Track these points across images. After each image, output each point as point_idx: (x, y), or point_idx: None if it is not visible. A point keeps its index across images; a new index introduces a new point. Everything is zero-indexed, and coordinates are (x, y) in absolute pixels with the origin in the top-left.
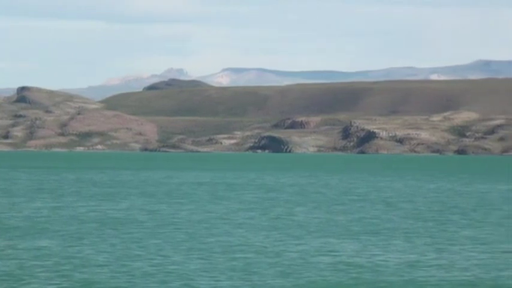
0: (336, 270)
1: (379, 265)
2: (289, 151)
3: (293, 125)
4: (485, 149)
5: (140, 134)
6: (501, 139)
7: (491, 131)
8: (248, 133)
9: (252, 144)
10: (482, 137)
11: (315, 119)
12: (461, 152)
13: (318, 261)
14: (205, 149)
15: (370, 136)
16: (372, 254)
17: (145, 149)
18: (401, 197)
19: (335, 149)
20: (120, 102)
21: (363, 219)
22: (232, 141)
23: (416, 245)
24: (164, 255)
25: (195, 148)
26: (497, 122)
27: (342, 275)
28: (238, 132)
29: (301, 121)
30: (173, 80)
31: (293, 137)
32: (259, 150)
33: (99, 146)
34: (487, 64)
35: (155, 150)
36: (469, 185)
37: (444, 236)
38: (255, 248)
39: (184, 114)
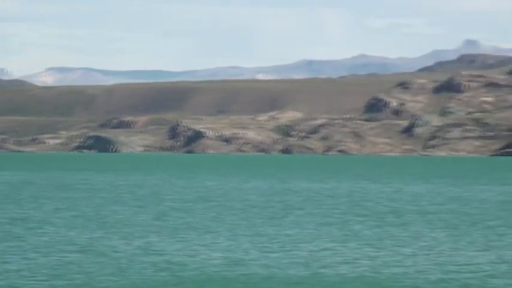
0: (160, 269)
1: (202, 262)
2: (116, 151)
3: (120, 125)
4: (309, 148)
5: None
6: (323, 138)
7: (315, 130)
8: (74, 133)
9: (78, 144)
10: (306, 137)
11: (142, 119)
12: (286, 151)
13: (144, 261)
14: (28, 149)
15: (198, 136)
16: (196, 252)
17: None
18: (229, 195)
19: (162, 148)
20: None
21: (191, 219)
22: (58, 141)
23: (240, 243)
24: None
25: (17, 148)
26: (320, 121)
27: (165, 274)
28: (64, 132)
29: (128, 121)
30: None
31: (120, 136)
32: (85, 150)
33: None
34: (310, 64)
35: None
36: (294, 184)
37: (268, 235)
38: (78, 247)
39: (7, 114)
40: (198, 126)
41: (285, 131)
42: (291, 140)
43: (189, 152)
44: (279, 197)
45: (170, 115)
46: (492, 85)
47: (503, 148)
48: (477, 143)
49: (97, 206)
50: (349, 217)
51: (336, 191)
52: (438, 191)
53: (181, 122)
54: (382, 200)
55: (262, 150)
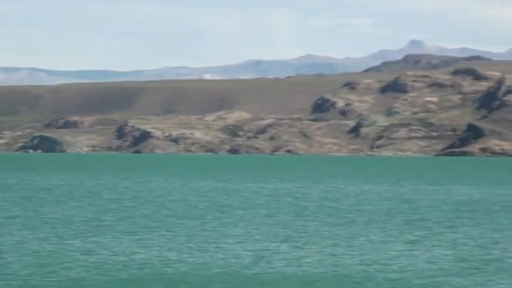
0: (95, 269)
1: (139, 262)
2: (63, 151)
3: (66, 125)
4: (257, 149)
5: None
6: (271, 138)
7: (262, 130)
8: (19, 133)
9: (22, 144)
10: (254, 137)
11: (88, 119)
12: (234, 151)
13: (78, 259)
14: None
15: (145, 136)
16: (132, 251)
17: None
18: (169, 195)
19: (110, 148)
20: None
21: (130, 218)
22: (2, 141)
23: (176, 242)
24: None
25: None
26: (268, 121)
27: (96, 272)
28: (8, 132)
29: (75, 121)
30: None
31: (66, 136)
32: (30, 150)
33: None
34: (257, 64)
35: None
36: (242, 184)
37: (204, 234)
38: (10, 247)
39: None
40: (146, 126)
41: (233, 131)
42: (239, 140)
43: (137, 152)
44: (222, 198)
45: (117, 115)
46: (436, 85)
47: (447, 148)
48: (422, 143)
49: (35, 205)
50: (289, 217)
51: (279, 191)
52: (377, 191)
53: (128, 122)
54: (323, 201)
55: (210, 150)
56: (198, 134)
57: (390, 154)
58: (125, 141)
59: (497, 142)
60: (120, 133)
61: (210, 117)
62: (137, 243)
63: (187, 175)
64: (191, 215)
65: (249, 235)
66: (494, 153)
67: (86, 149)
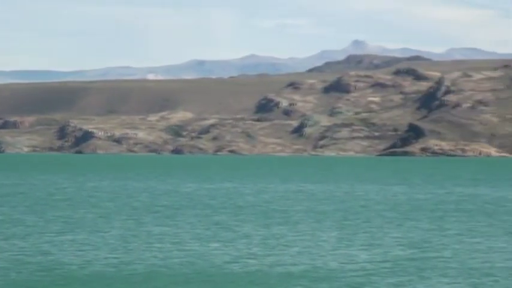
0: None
1: (54, 261)
2: (1, 151)
3: (5, 125)
4: (200, 149)
5: None
6: (214, 139)
7: (206, 130)
8: None
9: None
10: (198, 137)
11: (29, 119)
12: (177, 151)
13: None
14: None
15: (87, 136)
16: (43, 251)
17: None
18: (103, 196)
19: (51, 149)
20: None
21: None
22: None
23: (108, 241)
24: None
25: None
26: (211, 121)
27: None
28: None
29: (14, 121)
30: None
31: (5, 137)
32: None
33: None
34: (200, 64)
35: None
36: (178, 185)
37: (134, 233)
38: None
39: None
40: (88, 127)
41: (176, 131)
42: (182, 140)
43: (79, 152)
44: (163, 198)
45: (59, 115)
46: (378, 85)
47: (389, 148)
48: (364, 143)
49: None
50: (224, 217)
51: (220, 191)
52: (314, 191)
53: (70, 122)
54: (260, 201)
55: (153, 151)
56: (141, 134)
57: (333, 154)
58: (66, 141)
59: (436, 142)
60: (62, 133)
61: (153, 118)
62: (70, 244)
63: (128, 175)
64: (127, 215)
65: (176, 235)
66: (434, 153)
67: (26, 149)
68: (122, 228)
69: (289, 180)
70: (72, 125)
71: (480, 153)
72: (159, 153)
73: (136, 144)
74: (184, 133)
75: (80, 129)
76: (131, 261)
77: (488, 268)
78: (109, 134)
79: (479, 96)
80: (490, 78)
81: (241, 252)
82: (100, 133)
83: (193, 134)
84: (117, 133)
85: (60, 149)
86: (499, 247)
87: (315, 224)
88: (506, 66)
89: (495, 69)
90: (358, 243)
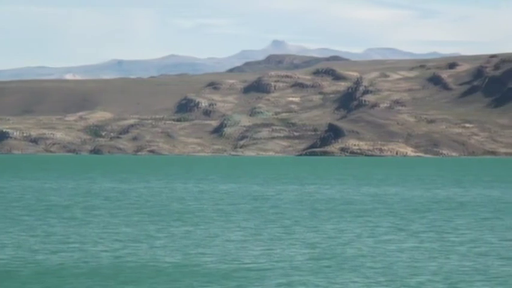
0: None
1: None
2: None
3: None
4: (120, 149)
5: None
6: (134, 139)
7: (125, 130)
8: None
9: None
10: (117, 137)
11: None
12: (96, 151)
13: None
14: None
15: (3, 136)
16: None
17: None
18: (25, 195)
19: None
20: None
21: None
22: None
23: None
24: None
25: None
26: (131, 121)
27: None
28: None
29: None
30: None
31: None
32: None
33: None
34: (120, 63)
35: None
36: (93, 184)
37: (59, 233)
38: None
39: None
40: (3, 127)
41: (95, 131)
42: (101, 141)
43: None
44: (81, 198)
45: None
46: (298, 85)
47: (308, 148)
48: (284, 143)
49: None
50: (142, 217)
51: (143, 191)
52: (238, 191)
53: None
54: (181, 200)
55: (72, 151)
56: (59, 135)
57: (253, 154)
58: None
59: (355, 142)
60: None
61: (71, 118)
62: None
63: (45, 175)
64: (52, 215)
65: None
66: (353, 152)
67: None
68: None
69: (209, 180)
70: None
71: (397, 153)
72: (77, 153)
73: (54, 144)
74: (103, 133)
75: None
76: (46, 261)
77: (405, 267)
78: (25, 134)
79: (396, 96)
80: (406, 78)
81: (164, 251)
82: (16, 133)
83: (112, 134)
84: (34, 133)
85: None
86: (407, 247)
87: (242, 222)
88: (422, 66)
89: (411, 69)
90: (285, 241)
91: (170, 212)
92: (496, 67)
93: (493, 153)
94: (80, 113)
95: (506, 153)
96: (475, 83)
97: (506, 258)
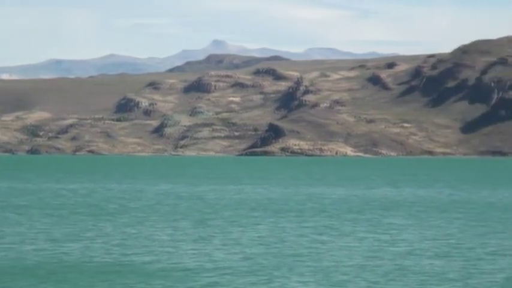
0: None
1: None
2: None
3: None
4: (58, 149)
5: None
6: (73, 139)
7: (64, 130)
8: None
9: None
10: (56, 137)
11: None
12: (34, 151)
13: None
14: None
15: None
16: None
17: None
18: None
19: None
20: None
21: None
22: None
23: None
24: None
25: None
26: (69, 121)
27: None
28: None
29: None
30: None
31: None
32: None
33: None
34: (58, 63)
35: None
36: (42, 184)
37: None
38: None
39: None
40: None
41: (33, 131)
42: (39, 141)
43: None
44: (19, 198)
45: None
46: (239, 85)
47: (249, 148)
48: (225, 142)
49: None
50: (77, 217)
51: (78, 191)
52: (174, 191)
53: None
54: (122, 200)
55: (8, 151)
56: None
57: (194, 154)
58: None
59: (296, 142)
60: None
61: (7, 118)
62: None
63: None
64: None
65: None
66: (294, 152)
67: None
68: None
69: (149, 180)
70: None
71: (337, 153)
72: (13, 153)
73: None
74: (41, 133)
75: None
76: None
77: (340, 266)
78: None
79: (336, 96)
80: (346, 78)
81: (93, 250)
82: None
83: (50, 134)
84: None
85: None
86: (351, 245)
87: (175, 222)
88: (361, 66)
89: (351, 69)
90: (218, 242)
91: (104, 212)
92: (434, 67)
93: (430, 152)
94: (17, 113)
95: (443, 153)
96: (413, 83)
97: (436, 256)
